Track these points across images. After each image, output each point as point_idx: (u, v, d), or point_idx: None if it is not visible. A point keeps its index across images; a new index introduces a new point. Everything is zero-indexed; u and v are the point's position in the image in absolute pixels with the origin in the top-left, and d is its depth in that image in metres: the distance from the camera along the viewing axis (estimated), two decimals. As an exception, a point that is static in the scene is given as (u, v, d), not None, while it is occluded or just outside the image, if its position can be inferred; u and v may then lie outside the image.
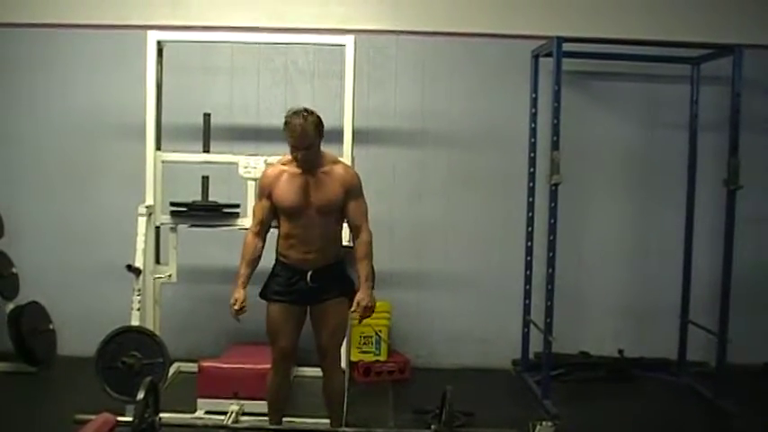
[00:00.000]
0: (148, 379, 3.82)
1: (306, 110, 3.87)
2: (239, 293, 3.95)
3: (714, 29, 5.91)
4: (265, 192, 4.01)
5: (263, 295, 4.06)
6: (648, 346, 6.06)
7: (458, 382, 5.50)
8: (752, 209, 5.74)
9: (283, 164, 4.03)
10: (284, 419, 4.31)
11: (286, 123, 3.85)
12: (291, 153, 3.90)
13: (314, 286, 3.98)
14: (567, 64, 5.34)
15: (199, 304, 5.95)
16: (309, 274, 3.97)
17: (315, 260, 3.97)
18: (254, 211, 4.16)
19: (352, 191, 4.00)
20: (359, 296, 3.95)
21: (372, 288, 4.00)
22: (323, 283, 4.00)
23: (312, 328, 4.11)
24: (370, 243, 4.03)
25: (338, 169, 4.02)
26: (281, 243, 4.04)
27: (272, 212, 4.02)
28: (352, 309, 3.97)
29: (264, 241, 4.06)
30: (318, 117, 3.89)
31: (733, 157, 5.21)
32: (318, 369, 4.25)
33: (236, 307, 3.94)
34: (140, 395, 3.64)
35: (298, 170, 3.95)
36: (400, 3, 6.05)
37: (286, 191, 3.94)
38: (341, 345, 4.25)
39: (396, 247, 6.01)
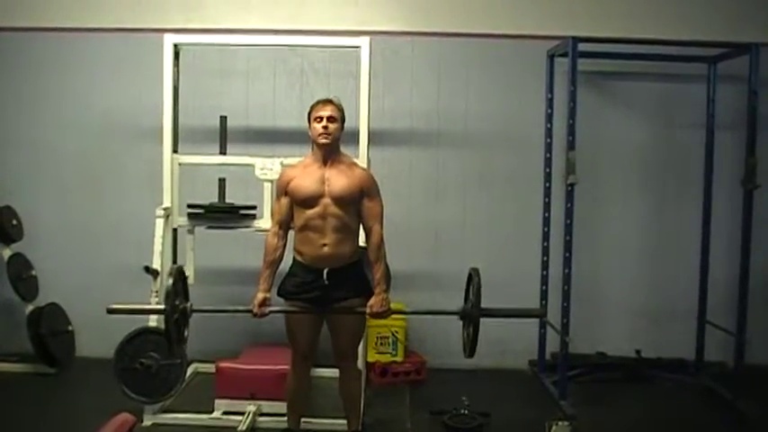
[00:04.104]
0: (176, 266, 3.89)
1: None
2: (261, 295, 3.97)
3: (730, 28, 5.88)
4: (283, 189, 4.04)
5: (280, 293, 4.08)
6: (666, 346, 6.03)
7: (474, 383, 5.58)
8: (769, 208, 5.71)
9: (298, 164, 4.13)
10: (302, 420, 4.33)
11: (313, 105, 4.05)
12: (313, 131, 3.98)
13: (330, 284, 3.98)
14: (583, 64, 5.33)
15: (216, 306, 5.96)
16: (326, 272, 3.97)
17: (331, 256, 3.96)
18: (272, 212, 4.18)
19: (369, 190, 4.02)
20: (371, 301, 3.96)
21: (387, 291, 4.02)
22: (339, 282, 3.99)
23: (329, 330, 4.13)
24: (382, 246, 4.03)
25: (356, 169, 4.08)
26: (297, 238, 4.04)
27: (291, 210, 4.03)
28: (366, 313, 3.99)
29: (285, 240, 4.07)
30: (342, 107, 4.10)
31: (750, 157, 5.18)
32: (336, 370, 4.27)
33: (256, 311, 3.95)
34: (170, 282, 3.77)
35: (315, 165, 4.01)
36: (415, 4, 6.06)
37: (302, 181, 3.98)
38: (358, 347, 4.28)
39: (412, 248, 6.01)
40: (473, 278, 3.89)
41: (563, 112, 5.39)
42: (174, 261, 5.26)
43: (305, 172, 4.01)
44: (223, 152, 5.20)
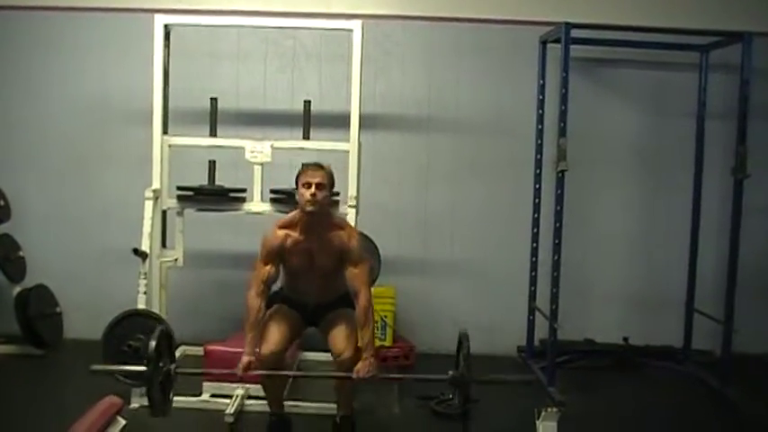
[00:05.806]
0: (160, 327, 3.79)
1: None
2: (246, 359, 3.94)
3: (723, 16, 5.88)
4: (270, 257, 4.02)
5: (269, 305, 4.13)
6: (654, 334, 6.05)
7: (463, 369, 5.55)
8: (759, 198, 5.70)
9: (283, 227, 4.04)
10: (292, 403, 4.32)
11: (302, 169, 3.96)
12: (301, 197, 3.90)
13: (318, 304, 4.15)
14: (575, 50, 5.30)
15: (205, 288, 5.96)
16: (313, 305, 4.16)
17: (318, 297, 4.14)
18: (255, 272, 4.06)
19: (351, 258, 4.02)
20: (357, 366, 3.89)
21: (373, 357, 3.95)
22: (327, 303, 4.15)
23: (322, 335, 4.16)
24: (370, 309, 4.00)
25: (340, 236, 4.03)
26: (285, 281, 4.18)
27: (276, 275, 4.08)
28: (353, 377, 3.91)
29: (267, 300, 4.07)
30: (333, 173, 4.02)
31: (741, 146, 5.18)
32: (324, 353, 4.27)
33: (241, 374, 3.94)
34: (152, 343, 3.56)
35: (301, 236, 3.99)
36: (408, -13, 6.05)
37: (290, 256, 4.02)
38: (354, 344, 4.18)
39: (402, 234, 6.02)
40: (463, 343, 3.79)
41: (555, 98, 5.38)
42: (164, 243, 5.25)
43: (292, 245, 3.99)
44: (213, 134, 5.17)
